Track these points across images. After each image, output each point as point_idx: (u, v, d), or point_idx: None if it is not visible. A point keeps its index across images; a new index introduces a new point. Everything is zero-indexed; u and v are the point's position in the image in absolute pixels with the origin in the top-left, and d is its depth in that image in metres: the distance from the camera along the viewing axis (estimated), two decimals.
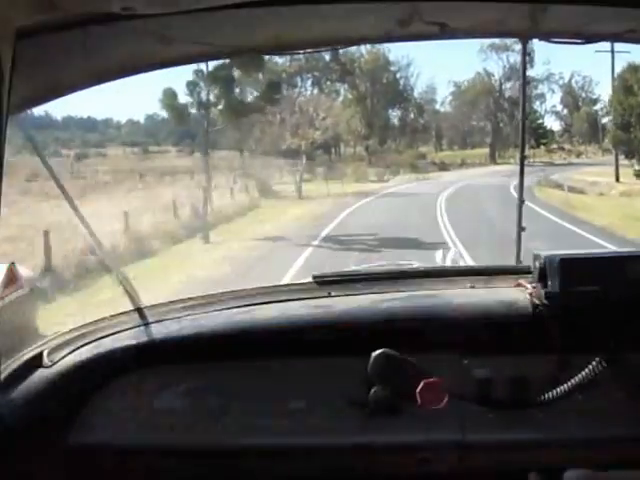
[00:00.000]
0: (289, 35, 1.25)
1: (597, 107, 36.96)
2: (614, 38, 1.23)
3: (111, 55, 1.19)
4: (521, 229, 1.84)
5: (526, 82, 1.54)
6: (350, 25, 1.25)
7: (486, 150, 37.33)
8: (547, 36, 1.26)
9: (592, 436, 1.47)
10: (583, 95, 38.04)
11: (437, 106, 37.86)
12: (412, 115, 36.28)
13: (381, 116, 35.12)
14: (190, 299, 1.68)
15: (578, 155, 37.98)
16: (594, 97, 37.21)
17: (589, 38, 1.23)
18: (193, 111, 18.83)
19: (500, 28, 1.24)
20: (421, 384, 1.39)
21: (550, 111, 38.36)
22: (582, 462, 1.50)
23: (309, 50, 1.34)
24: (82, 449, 1.47)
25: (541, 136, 37.07)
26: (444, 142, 39.08)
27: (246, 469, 1.53)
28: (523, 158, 1.80)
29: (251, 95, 22.50)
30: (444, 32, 1.19)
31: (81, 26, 1.03)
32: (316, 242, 11.88)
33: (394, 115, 36.54)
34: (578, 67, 47.17)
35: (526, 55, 1.45)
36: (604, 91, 52.35)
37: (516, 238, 1.85)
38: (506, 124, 36.42)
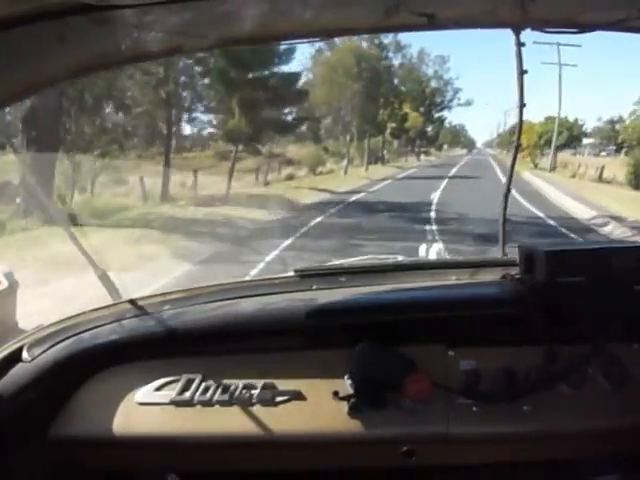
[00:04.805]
0: (272, 26, 1.21)
1: None
2: (609, 27, 1.21)
3: (91, 48, 1.14)
4: (506, 220, 1.81)
5: (522, 72, 1.51)
6: (335, 15, 1.22)
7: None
8: (541, 26, 1.24)
9: (578, 428, 1.47)
10: None
11: None
12: None
13: None
14: (171, 293, 1.66)
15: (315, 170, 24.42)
16: None
17: (583, 27, 1.21)
18: None
19: (491, 18, 1.22)
20: (406, 376, 1.39)
21: None
22: (569, 455, 1.51)
23: (292, 42, 1.31)
24: (62, 443, 1.45)
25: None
26: None
27: (228, 461, 1.52)
28: (518, 146, 1.82)
29: None
30: (433, 22, 1.16)
31: (56, 19, 0.99)
32: None
33: None
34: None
35: (520, 47, 1.42)
36: None
37: (501, 230, 1.83)
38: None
